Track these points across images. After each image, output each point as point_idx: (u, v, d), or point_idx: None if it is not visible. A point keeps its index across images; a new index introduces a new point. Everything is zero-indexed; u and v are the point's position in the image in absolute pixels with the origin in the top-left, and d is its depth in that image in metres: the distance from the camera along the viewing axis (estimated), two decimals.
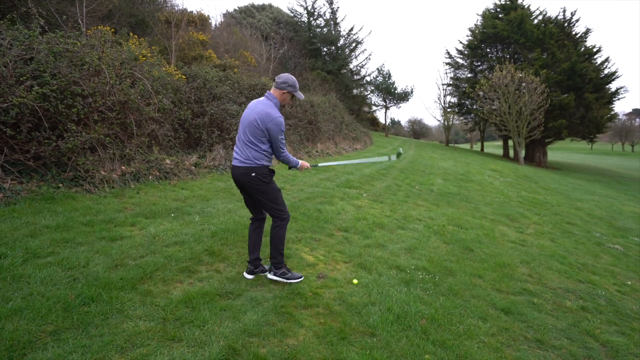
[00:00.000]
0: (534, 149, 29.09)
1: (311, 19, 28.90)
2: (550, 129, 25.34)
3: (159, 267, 3.21)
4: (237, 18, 27.08)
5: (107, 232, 3.81)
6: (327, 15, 29.72)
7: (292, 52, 25.41)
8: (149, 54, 8.53)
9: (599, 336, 3.13)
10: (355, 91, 32.99)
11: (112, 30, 9.26)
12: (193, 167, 7.08)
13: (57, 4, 9.74)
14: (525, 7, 29.60)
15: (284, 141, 3.13)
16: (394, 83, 34.52)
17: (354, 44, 31.23)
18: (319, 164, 3.73)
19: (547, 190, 12.25)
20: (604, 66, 26.84)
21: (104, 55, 5.93)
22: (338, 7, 33.21)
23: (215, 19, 31.95)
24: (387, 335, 2.68)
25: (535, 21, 28.86)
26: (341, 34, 30.57)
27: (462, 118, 36.67)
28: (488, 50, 32.05)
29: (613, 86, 27.29)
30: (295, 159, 3.28)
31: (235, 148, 3.22)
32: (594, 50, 26.90)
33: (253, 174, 3.08)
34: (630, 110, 74.94)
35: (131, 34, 10.61)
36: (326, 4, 32.70)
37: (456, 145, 39.41)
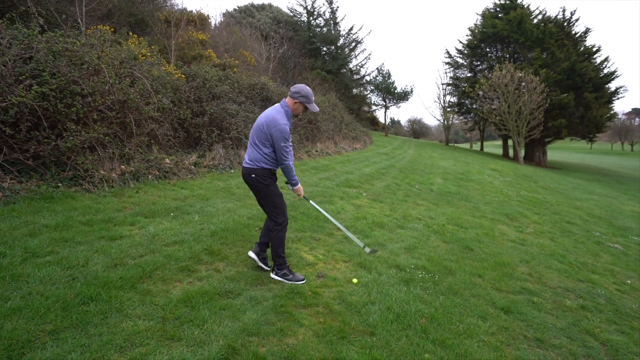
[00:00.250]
0: (533, 149, 29.10)
1: (311, 18, 28.87)
2: (550, 128, 25.35)
3: (158, 267, 3.21)
4: (237, 17, 27.05)
5: (106, 232, 3.80)
6: (327, 15, 29.73)
7: (291, 51, 25.37)
8: (149, 54, 8.52)
9: (599, 335, 3.13)
10: (355, 91, 32.96)
11: (112, 29, 9.25)
12: (192, 167, 7.08)
13: (57, 3, 9.72)
14: (525, 6, 29.60)
15: (287, 149, 3.12)
16: (393, 82, 34.51)
17: (353, 44, 31.21)
18: (310, 201, 3.72)
19: (546, 190, 12.25)
20: (604, 66, 26.87)
21: (104, 55, 5.92)
22: (338, 7, 33.18)
23: (215, 18, 31.92)
24: (386, 335, 2.67)
25: (535, 21, 28.86)
26: (341, 33, 30.55)
27: (461, 117, 36.68)
28: (488, 49, 32.04)
29: (612, 85, 27.37)
30: (297, 177, 3.32)
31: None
32: (594, 49, 26.91)
33: (253, 175, 3.16)
34: (630, 110, 75.07)
35: (131, 33, 10.60)
36: (326, 4, 32.74)
37: (456, 144, 39.41)
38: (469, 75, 33.50)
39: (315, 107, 3.23)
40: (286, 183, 3.40)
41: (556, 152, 56.56)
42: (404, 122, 71.24)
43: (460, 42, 33.55)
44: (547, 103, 23.20)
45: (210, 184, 6.53)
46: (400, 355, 2.49)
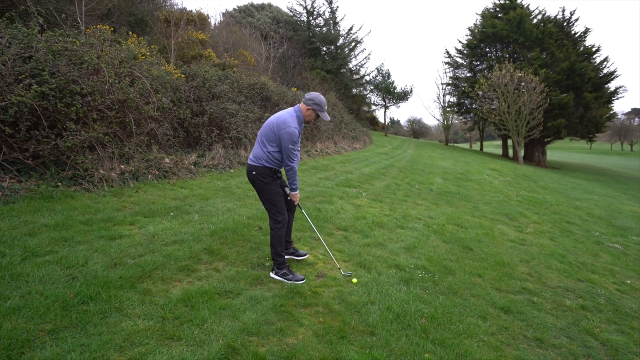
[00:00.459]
0: (533, 149, 29.12)
1: (310, 18, 28.86)
2: (550, 128, 25.36)
3: (158, 266, 3.21)
4: (237, 17, 27.04)
5: (106, 231, 3.80)
6: (327, 15, 29.71)
7: (291, 51, 25.34)
8: (148, 53, 8.50)
9: (599, 335, 3.13)
10: (354, 90, 32.96)
11: (111, 29, 9.22)
12: (192, 166, 7.07)
13: (56, 2, 9.70)
14: (525, 6, 29.60)
15: (294, 152, 3.19)
16: (393, 82, 34.51)
17: (353, 44, 31.20)
18: (302, 210, 3.85)
19: (546, 190, 12.26)
20: (603, 65, 26.89)
21: (103, 54, 5.91)
22: (337, 7, 33.22)
23: (215, 18, 31.95)
24: (386, 334, 2.67)
25: (535, 21, 28.87)
26: (340, 33, 30.54)
27: (461, 117, 36.69)
28: (487, 49, 32.05)
29: (612, 85, 27.40)
30: (297, 184, 3.39)
31: None
32: (593, 49, 26.93)
33: (254, 173, 3.24)
34: (629, 110, 75.11)
35: (130, 32, 10.59)
36: (325, 4, 32.72)
37: (455, 144, 39.42)
38: (468, 75, 33.51)
39: (326, 116, 3.31)
40: (285, 187, 3.46)
41: (556, 152, 56.60)
42: (403, 122, 71.26)
43: (460, 42, 33.62)
44: (546, 103, 23.21)
45: (210, 183, 6.53)
46: (400, 355, 2.48)
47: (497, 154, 34.24)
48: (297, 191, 3.42)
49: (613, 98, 27.45)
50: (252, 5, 29.49)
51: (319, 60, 27.46)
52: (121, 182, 5.52)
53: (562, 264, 4.80)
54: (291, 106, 3.75)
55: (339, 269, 3.60)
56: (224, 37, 18.74)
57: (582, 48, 27.08)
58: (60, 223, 3.80)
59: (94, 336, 2.25)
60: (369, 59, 48.11)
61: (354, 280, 3.47)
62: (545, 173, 19.89)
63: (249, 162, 3.29)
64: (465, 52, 33.25)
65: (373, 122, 40.25)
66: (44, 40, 5.30)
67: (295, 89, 16.11)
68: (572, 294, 3.92)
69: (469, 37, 32.80)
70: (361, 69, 33.40)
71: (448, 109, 35.57)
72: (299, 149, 3.31)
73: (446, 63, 35.33)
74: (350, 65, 32.21)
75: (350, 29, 31.20)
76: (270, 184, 3.27)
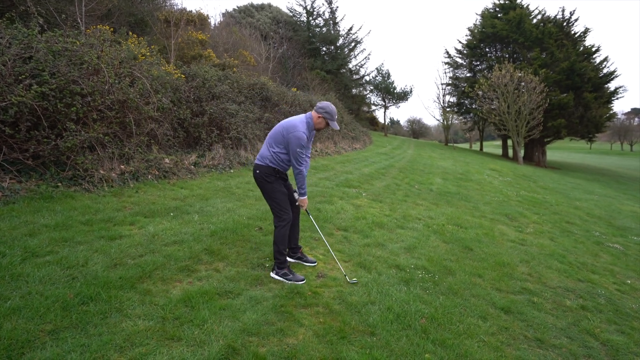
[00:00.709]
0: (533, 149, 29.12)
1: (310, 18, 28.87)
2: (549, 128, 25.36)
3: (158, 266, 3.21)
4: (237, 17, 27.05)
5: (106, 231, 3.80)
6: (326, 15, 29.73)
7: (291, 51, 25.36)
8: (148, 53, 8.50)
9: (599, 335, 3.13)
10: (354, 91, 32.96)
11: (111, 29, 9.23)
12: (192, 167, 7.07)
13: (56, 2, 9.70)
14: (524, 6, 29.60)
15: (302, 156, 3.26)
16: (393, 82, 34.44)
17: (353, 44, 31.22)
18: (310, 216, 3.91)
19: (546, 190, 12.26)
20: (603, 65, 26.89)
21: (103, 54, 5.91)
22: (337, 7, 33.29)
23: (215, 18, 31.93)
24: (386, 335, 2.67)
25: (534, 21, 28.87)
26: (340, 33, 30.56)
27: (461, 117, 36.68)
28: (487, 49, 32.05)
29: (612, 85, 27.39)
30: (306, 188, 3.44)
31: None
32: (593, 49, 26.93)
33: (257, 171, 3.34)
34: (629, 110, 75.12)
35: (130, 33, 10.59)
36: (325, 4, 32.72)
37: (455, 144, 39.42)
38: (468, 75, 33.52)
39: (336, 125, 3.41)
40: (294, 191, 3.53)
41: (555, 152, 56.60)
42: (403, 122, 71.21)
43: (460, 42, 33.63)
44: (546, 103, 23.21)
45: (210, 183, 6.53)
46: (400, 355, 2.48)
47: (497, 154, 34.24)
48: (306, 196, 3.47)
49: (613, 98, 27.46)
50: (252, 5, 29.50)
51: (318, 61, 27.47)
52: (121, 182, 5.52)
53: (562, 264, 4.80)
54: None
55: (345, 275, 3.55)
56: (223, 37, 18.74)
57: (582, 48, 27.09)
58: (60, 223, 3.80)
59: (94, 336, 2.24)
60: (368, 59, 48.29)
61: (354, 278, 3.47)
62: (545, 173, 19.89)
63: (255, 162, 3.41)
64: (465, 52, 33.26)
65: (373, 122, 40.23)
66: (44, 41, 5.30)
67: (295, 89, 16.11)
68: (573, 294, 3.92)
69: (469, 37, 32.82)
70: (361, 69, 33.47)
71: (448, 109, 35.58)
72: (309, 155, 3.44)
73: (446, 63, 35.37)
74: (350, 66, 32.25)
75: (350, 29, 31.23)
76: (272, 182, 3.34)
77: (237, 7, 29.21)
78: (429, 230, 5.41)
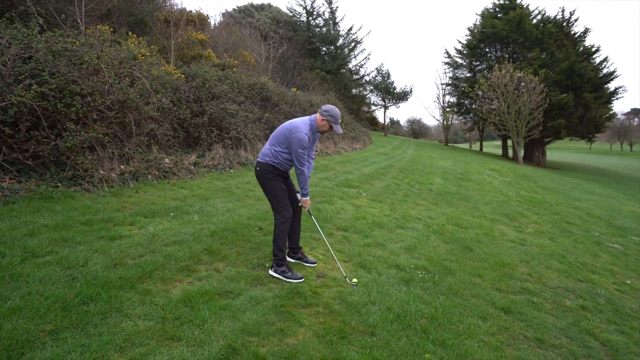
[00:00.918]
0: (532, 149, 29.12)
1: (310, 18, 28.86)
2: (549, 128, 25.37)
3: (158, 267, 3.21)
4: (236, 17, 27.04)
5: (106, 232, 3.80)
6: (326, 15, 29.71)
7: (291, 51, 25.35)
8: (148, 53, 8.50)
9: (599, 335, 3.13)
10: (354, 91, 32.94)
11: (111, 29, 9.23)
12: (192, 167, 7.07)
13: (56, 2, 9.70)
14: (524, 6, 29.61)
15: (304, 156, 3.29)
16: (393, 83, 34.42)
17: (353, 44, 31.20)
18: (312, 217, 3.89)
19: (546, 190, 12.26)
20: (603, 66, 26.91)
21: (103, 54, 5.91)
22: (337, 7, 33.29)
23: (214, 18, 31.93)
24: (387, 335, 2.67)
25: (534, 21, 28.88)
26: (340, 33, 30.54)
27: (461, 118, 36.68)
28: (487, 49, 32.05)
29: (612, 86, 27.42)
30: (308, 189, 3.47)
31: None
32: (593, 49, 26.95)
33: (258, 168, 3.40)
34: (629, 110, 75.14)
35: (130, 33, 10.59)
36: (325, 4, 32.68)
37: (455, 144, 39.42)
38: (468, 75, 33.52)
39: (339, 129, 3.44)
40: (297, 192, 3.56)
41: (555, 152, 56.61)
42: (403, 122, 71.16)
43: (460, 42, 33.64)
44: (546, 103, 23.22)
45: (210, 183, 6.53)
46: (400, 355, 2.48)
47: (496, 154, 34.25)
48: (308, 197, 3.49)
49: (613, 98, 27.48)
50: (251, 5, 29.49)
51: (318, 61, 27.46)
52: (121, 182, 5.52)
53: (562, 264, 4.80)
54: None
55: (345, 277, 3.54)
56: (223, 37, 18.74)
57: (581, 48, 27.10)
58: (60, 223, 3.80)
59: (95, 337, 2.24)
60: (368, 59, 48.29)
61: (354, 280, 3.47)
62: (545, 173, 19.90)
63: (257, 160, 3.46)
64: (465, 52, 33.26)
65: (373, 122, 40.23)
66: (44, 41, 5.30)
67: (295, 89, 16.11)
68: (572, 294, 3.92)
69: (469, 37, 32.81)
70: (361, 69, 33.44)
71: (448, 109, 35.57)
72: (312, 156, 3.52)
73: (446, 63, 35.36)
74: (350, 66, 32.22)
75: (350, 29, 31.23)
76: (272, 179, 3.38)
77: (237, 7, 29.23)
78: (429, 230, 5.41)
